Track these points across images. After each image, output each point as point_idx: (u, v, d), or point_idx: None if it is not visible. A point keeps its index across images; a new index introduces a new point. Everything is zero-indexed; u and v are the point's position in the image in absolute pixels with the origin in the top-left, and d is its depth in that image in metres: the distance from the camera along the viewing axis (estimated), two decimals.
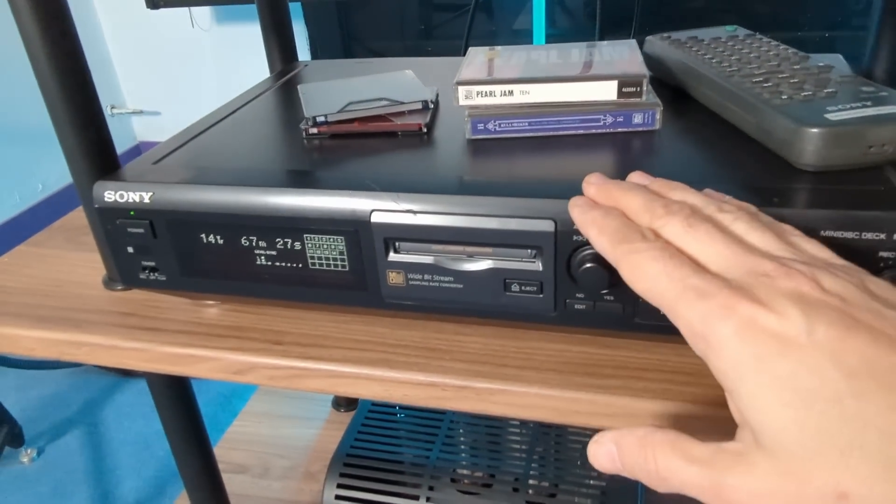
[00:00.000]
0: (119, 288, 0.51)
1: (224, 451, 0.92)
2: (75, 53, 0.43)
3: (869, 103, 0.36)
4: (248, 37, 2.07)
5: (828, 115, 0.35)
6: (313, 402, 0.97)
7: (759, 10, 1.67)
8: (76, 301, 0.50)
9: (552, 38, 1.92)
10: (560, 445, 0.68)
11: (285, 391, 1.00)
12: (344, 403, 0.95)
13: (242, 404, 0.98)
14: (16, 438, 1.21)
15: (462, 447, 0.69)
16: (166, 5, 1.80)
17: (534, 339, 0.42)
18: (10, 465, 1.20)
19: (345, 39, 2.04)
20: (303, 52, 1.96)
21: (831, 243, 0.32)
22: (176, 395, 0.64)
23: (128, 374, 1.38)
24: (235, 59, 2.14)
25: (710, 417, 0.36)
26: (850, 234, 0.32)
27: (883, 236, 0.32)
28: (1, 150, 1.91)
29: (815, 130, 0.35)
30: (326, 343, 0.44)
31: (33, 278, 0.54)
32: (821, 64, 0.42)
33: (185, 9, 1.98)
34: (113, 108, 2.30)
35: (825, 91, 0.38)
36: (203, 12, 2.04)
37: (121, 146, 2.36)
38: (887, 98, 0.37)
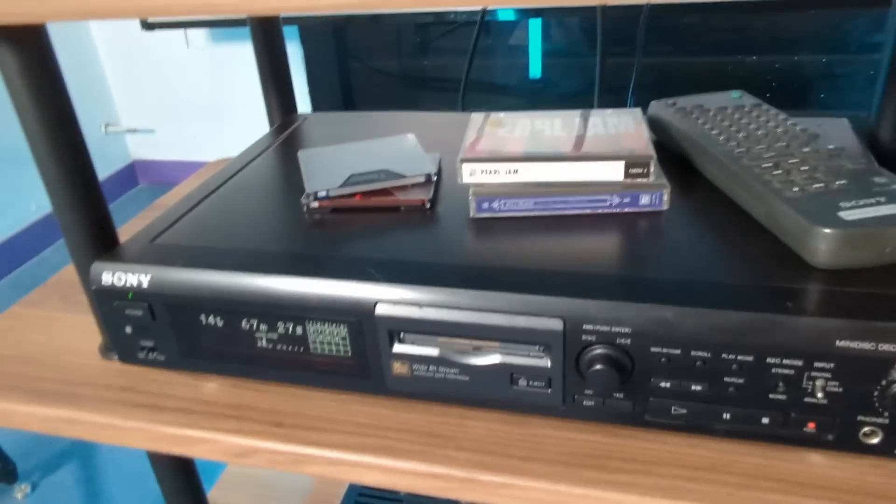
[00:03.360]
0: (115, 358, 0.50)
1: (221, 493, 0.91)
2: (75, 139, 0.42)
3: (883, 199, 0.36)
4: (243, 56, 2.06)
5: (842, 214, 0.35)
6: None
7: (757, 30, 1.66)
8: (72, 372, 0.49)
9: (549, 55, 1.92)
10: None
11: None
12: None
13: None
14: (9, 475, 1.20)
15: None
16: (161, 27, 1.79)
17: (539, 425, 0.41)
18: (3, 501, 1.19)
19: (340, 58, 2.03)
20: (299, 72, 1.96)
21: (846, 354, 0.32)
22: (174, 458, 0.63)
23: None
24: (230, 78, 2.12)
25: None
26: (866, 345, 0.31)
27: None
28: None
29: (829, 231, 0.34)
30: (328, 426, 0.43)
31: (28, 344, 0.53)
32: (830, 146, 0.42)
33: (181, 30, 1.97)
34: (107, 126, 2.29)
35: (837, 183, 0.37)
36: (198, 33, 2.03)
37: (115, 165, 2.35)
38: None
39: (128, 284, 0.42)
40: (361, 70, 2.04)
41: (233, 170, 0.55)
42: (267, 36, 0.63)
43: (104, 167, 2.24)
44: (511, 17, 1.71)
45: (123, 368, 0.49)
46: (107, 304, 0.43)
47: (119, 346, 0.45)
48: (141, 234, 0.46)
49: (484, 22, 0.89)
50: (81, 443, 1.32)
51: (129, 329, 0.44)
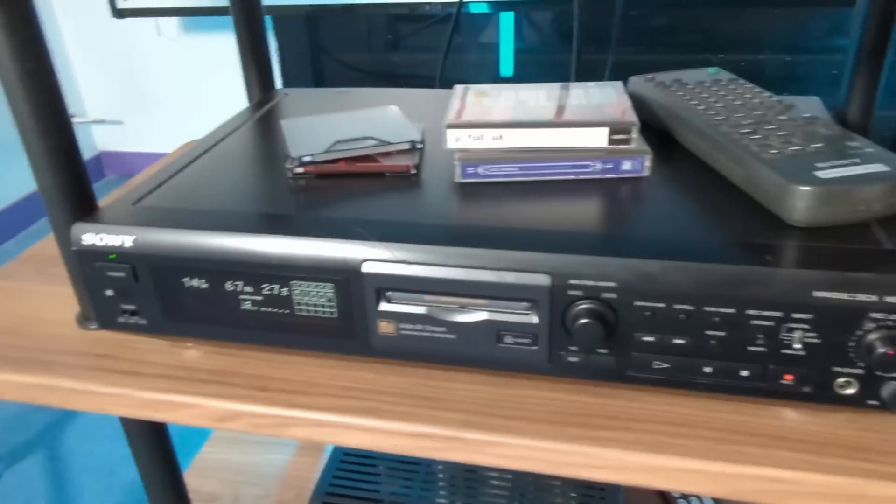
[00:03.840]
0: (93, 327, 0.49)
1: (193, 478, 0.90)
2: (54, 94, 0.42)
3: (857, 160, 0.37)
4: (216, 47, 2.04)
5: (817, 173, 0.36)
6: None
7: (723, 31, 1.70)
8: (49, 341, 0.48)
9: (520, 53, 1.93)
10: (539, 481, 0.68)
11: None
12: None
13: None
14: None
15: (442, 483, 0.69)
16: (132, 15, 1.76)
17: (524, 386, 0.42)
18: None
19: (313, 51, 2.02)
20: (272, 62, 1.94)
21: (822, 304, 0.33)
22: (149, 428, 0.62)
23: None
24: (202, 69, 2.10)
25: (703, 472, 0.36)
26: (843, 295, 0.33)
27: (875, 298, 0.32)
28: None
29: (805, 188, 0.35)
30: (312, 390, 0.43)
31: (2, 315, 0.52)
32: (806, 115, 0.43)
33: (152, 18, 1.94)
34: (73, 116, 2.24)
35: (813, 146, 0.39)
36: (170, 22, 2.01)
37: None
38: (874, 155, 0.37)
39: (110, 245, 0.41)
40: (335, 62, 2.04)
41: (214, 140, 0.55)
42: (247, 8, 0.63)
43: None
44: (484, 9, 1.72)
45: (102, 336, 0.48)
46: (88, 265, 0.42)
47: (99, 310, 0.44)
48: (123, 197, 0.45)
49: (460, 9, 0.89)
50: (48, 432, 1.30)
51: (109, 292, 0.43)
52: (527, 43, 1.95)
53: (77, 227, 0.42)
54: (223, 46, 2.02)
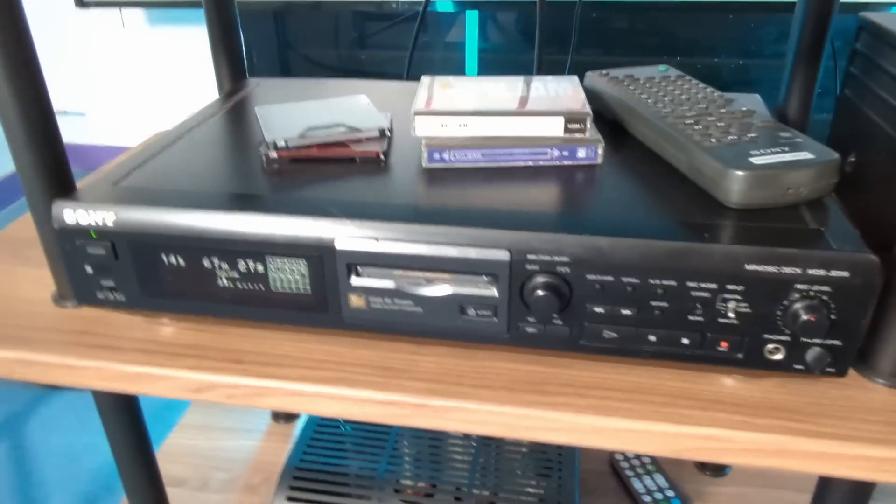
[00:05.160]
0: (69, 305, 0.51)
1: (161, 464, 0.90)
2: (34, 73, 0.44)
3: (787, 149, 0.41)
4: (181, 40, 2.04)
5: (751, 159, 0.40)
6: (252, 413, 0.97)
7: (680, 35, 1.76)
8: (26, 318, 0.50)
9: (484, 52, 1.97)
10: (500, 456, 0.71)
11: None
12: (283, 415, 0.96)
13: (177, 416, 0.97)
14: None
15: (407, 459, 0.72)
16: (96, 6, 1.75)
17: (486, 358, 0.45)
18: None
19: (280, 48, 2.03)
20: None
21: (753, 277, 0.37)
22: (122, 406, 0.64)
23: (53, 385, 1.33)
24: (167, 62, 2.09)
25: (647, 432, 0.40)
26: (771, 268, 0.36)
27: (799, 271, 0.36)
28: None
29: (740, 173, 0.39)
30: (286, 362, 0.45)
31: None
32: (743, 108, 0.47)
33: (116, 9, 1.93)
34: None
35: (748, 136, 0.42)
36: (135, 14, 1.99)
37: None
38: (802, 144, 0.41)
39: (91, 223, 0.43)
40: (302, 58, 2.05)
41: (188, 126, 0.56)
42: None
43: None
44: (449, 8, 1.75)
45: (79, 314, 0.50)
46: (68, 243, 0.44)
47: (78, 286, 0.46)
48: (100, 178, 0.47)
49: (426, 8, 0.92)
50: (11, 423, 1.29)
51: (89, 269, 0.45)
52: (492, 42, 1.98)
53: (58, 205, 0.43)
54: (188, 40, 2.02)
